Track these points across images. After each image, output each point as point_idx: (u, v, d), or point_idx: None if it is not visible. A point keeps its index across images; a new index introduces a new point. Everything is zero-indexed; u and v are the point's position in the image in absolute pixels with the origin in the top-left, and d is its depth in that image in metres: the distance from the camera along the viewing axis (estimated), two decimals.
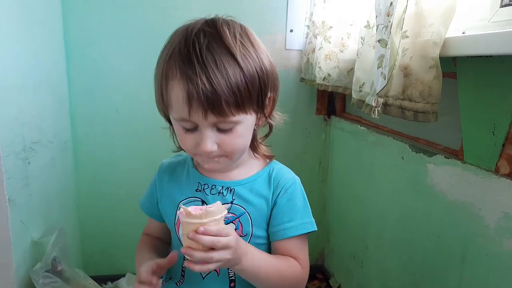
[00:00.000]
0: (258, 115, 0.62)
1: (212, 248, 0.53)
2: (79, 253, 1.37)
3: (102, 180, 1.36)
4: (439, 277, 0.81)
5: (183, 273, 0.70)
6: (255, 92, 0.57)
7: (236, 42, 0.56)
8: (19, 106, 0.92)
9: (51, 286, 0.93)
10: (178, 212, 0.56)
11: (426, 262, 0.86)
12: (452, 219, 0.77)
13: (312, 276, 1.51)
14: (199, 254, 0.53)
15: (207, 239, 0.52)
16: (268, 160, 0.71)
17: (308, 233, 0.67)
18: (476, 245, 0.70)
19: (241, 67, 0.54)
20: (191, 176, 0.70)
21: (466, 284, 0.73)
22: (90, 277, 1.15)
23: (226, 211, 0.56)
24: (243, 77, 0.55)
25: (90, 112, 1.31)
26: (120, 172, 1.37)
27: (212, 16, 0.61)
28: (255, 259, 0.60)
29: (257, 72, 0.56)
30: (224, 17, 0.61)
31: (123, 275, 1.40)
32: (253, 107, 0.59)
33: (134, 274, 1.41)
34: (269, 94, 0.61)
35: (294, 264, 0.65)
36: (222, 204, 0.60)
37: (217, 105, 0.53)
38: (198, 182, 0.69)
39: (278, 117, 0.68)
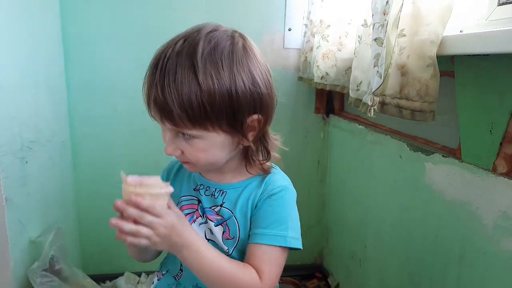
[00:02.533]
0: (239, 136, 0.59)
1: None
2: (77, 252, 1.37)
3: (101, 179, 1.36)
4: (437, 276, 0.81)
5: (181, 267, 0.70)
6: (219, 112, 0.55)
7: (203, 57, 0.54)
8: (17, 105, 0.92)
9: (49, 285, 0.93)
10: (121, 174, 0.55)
11: (424, 261, 0.86)
12: (450, 218, 0.77)
13: (311, 275, 1.51)
14: (128, 226, 0.52)
15: (131, 210, 0.51)
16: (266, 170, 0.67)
17: (284, 248, 0.62)
18: (474, 244, 0.70)
19: (200, 84, 0.53)
20: (192, 175, 0.71)
21: (464, 283, 0.73)
22: (89, 276, 1.15)
23: (168, 188, 0.54)
24: (199, 94, 0.53)
25: (88, 111, 1.31)
26: (118, 171, 1.37)
27: (216, 23, 0.60)
28: (201, 255, 0.57)
29: (223, 93, 0.54)
30: (227, 28, 0.60)
31: (122, 274, 1.40)
32: (221, 126, 0.56)
33: (133, 273, 1.42)
34: (252, 117, 0.58)
35: (251, 273, 0.60)
36: (213, 207, 0.61)
37: (169, 115, 0.54)
38: (196, 182, 0.69)
39: (276, 142, 0.65)
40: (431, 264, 0.83)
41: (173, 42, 0.56)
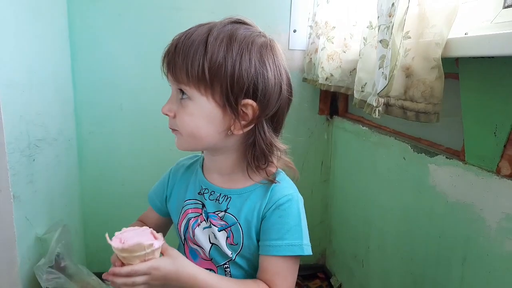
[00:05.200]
0: (231, 117, 0.59)
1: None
2: (82, 250, 1.38)
3: (106, 177, 1.37)
4: (440, 278, 0.81)
5: None
6: (217, 79, 0.57)
7: (220, 31, 0.58)
8: (25, 104, 0.93)
9: (55, 281, 0.94)
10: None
11: (427, 262, 0.86)
12: (454, 220, 0.77)
13: (313, 276, 1.51)
14: (120, 280, 0.56)
15: (120, 280, 0.56)
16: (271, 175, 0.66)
17: (297, 256, 0.63)
18: (477, 246, 0.71)
19: (206, 46, 0.57)
20: (197, 178, 0.71)
21: (467, 285, 0.74)
22: (93, 273, 1.15)
23: (155, 246, 0.57)
24: (203, 54, 0.57)
25: (95, 110, 1.33)
26: (124, 170, 1.38)
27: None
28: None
29: (224, 63, 0.56)
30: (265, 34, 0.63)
31: None
32: (213, 94, 0.58)
33: None
34: (247, 100, 0.58)
35: None
36: (217, 212, 0.62)
37: (173, 67, 0.59)
38: (201, 186, 0.69)
39: (279, 146, 0.64)
40: (434, 265, 0.83)
41: (216, 22, 0.61)
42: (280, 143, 0.65)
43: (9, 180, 0.83)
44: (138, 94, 1.33)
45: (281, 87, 0.61)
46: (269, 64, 0.60)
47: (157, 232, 0.77)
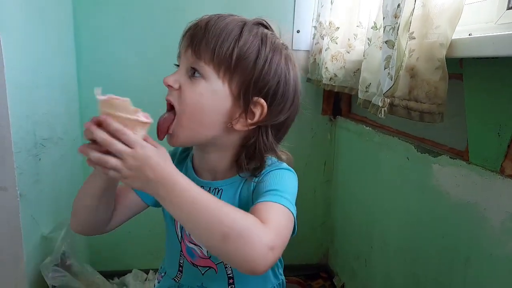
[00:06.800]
0: (238, 110, 0.56)
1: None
2: (87, 249, 1.39)
3: None
4: (443, 278, 0.81)
5: (180, 268, 0.70)
6: (240, 69, 0.55)
7: (253, 31, 0.58)
8: (31, 104, 0.94)
9: (60, 280, 0.95)
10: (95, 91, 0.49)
11: (430, 262, 0.86)
12: (457, 220, 0.77)
13: (316, 275, 1.52)
14: (94, 154, 0.47)
15: (99, 133, 0.46)
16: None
17: (284, 207, 0.54)
18: (481, 246, 0.71)
19: (240, 38, 0.55)
20: (187, 174, 0.66)
21: (470, 285, 0.74)
22: (98, 272, 1.16)
23: (142, 118, 0.49)
24: (234, 43, 0.55)
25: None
26: None
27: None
28: (182, 193, 0.48)
29: (254, 56, 0.56)
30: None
31: (129, 271, 1.42)
32: (230, 81, 0.56)
33: (140, 270, 1.44)
34: (259, 98, 0.57)
35: (250, 216, 0.49)
36: None
37: (198, 43, 0.56)
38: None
39: (283, 155, 0.63)
40: (437, 265, 0.84)
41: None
42: (280, 151, 0.63)
43: (15, 179, 0.84)
44: (143, 94, 1.33)
45: (294, 98, 0.62)
46: (291, 74, 0.61)
47: (122, 207, 0.67)
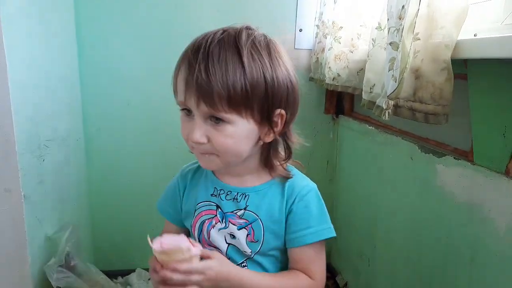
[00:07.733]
0: (264, 128, 0.60)
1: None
2: (91, 249, 1.39)
3: (114, 177, 1.39)
4: (448, 278, 0.81)
5: None
6: (256, 98, 0.56)
7: (247, 45, 0.56)
8: (35, 105, 0.94)
9: (65, 281, 0.95)
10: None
11: (434, 263, 0.86)
12: (461, 221, 0.77)
13: None
14: (178, 276, 0.56)
15: (177, 276, 0.56)
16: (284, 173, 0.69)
17: (326, 239, 0.67)
18: (486, 247, 0.71)
19: (244, 67, 0.54)
20: (208, 180, 0.71)
21: (475, 286, 0.74)
22: (102, 272, 1.17)
23: (193, 251, 0.57)
24: (243, 77, 0.54)
25: (102, 110, 1.33)
26: (131, 169, 1.39)
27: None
28: (252, 283, 0.62)
29: (264, 79, 0.56)
30: (256, 29, 0.62)
31: (133, 270, 1.42)
32: (252, 114, 0.57)
33: (144, 269, 1.44)
34: (278, 110, 0.60)
35: (303, 278, 0.65)
36: (235, 211, 0.63)
37: (208, 96, 0.54)
38: (214, 187, 0.69)
39: (295, 140, 0.67)
40: (442, 265, 0.84)
41: (212, 32, 0.58)
42: (296, 136, 0.68)
43: (19, 180, 0.84)
44: (145, 92, 1.34)
45: (293, 82, 0.63)
46: (287, 64, 0.61)
47: None
